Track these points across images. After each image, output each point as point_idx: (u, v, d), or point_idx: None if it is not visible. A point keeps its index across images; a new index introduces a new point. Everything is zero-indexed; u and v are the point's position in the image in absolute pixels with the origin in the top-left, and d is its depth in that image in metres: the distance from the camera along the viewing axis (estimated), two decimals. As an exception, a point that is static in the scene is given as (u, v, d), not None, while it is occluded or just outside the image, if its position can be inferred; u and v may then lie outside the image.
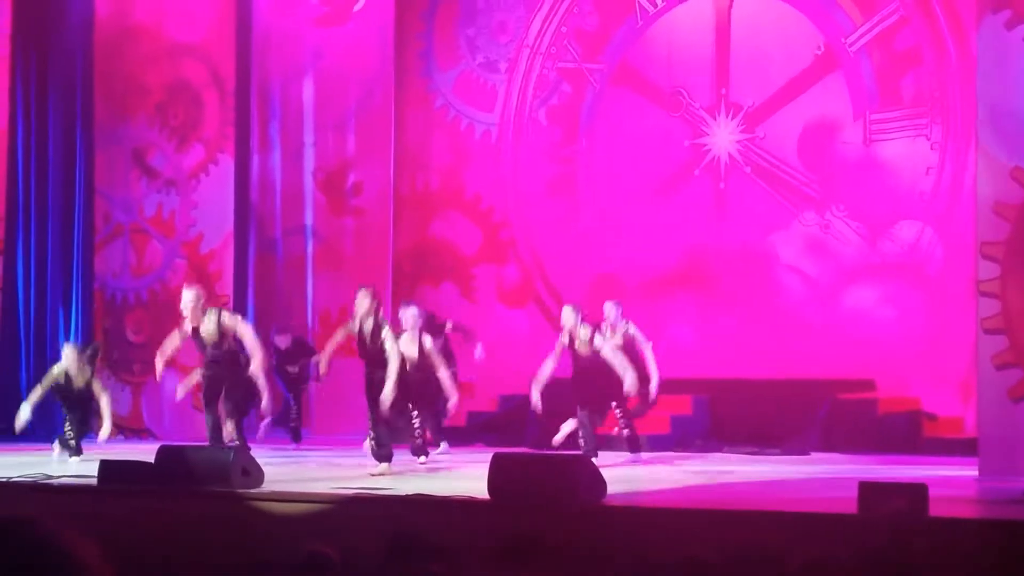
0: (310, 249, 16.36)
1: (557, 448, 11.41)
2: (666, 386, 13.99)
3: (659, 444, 12.47)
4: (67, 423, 12.73)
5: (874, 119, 13.84)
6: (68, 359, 12.65)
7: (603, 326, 11.83)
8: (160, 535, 8.02)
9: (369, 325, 10.57)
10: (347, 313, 13.31)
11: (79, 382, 12.59)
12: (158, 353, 11.18)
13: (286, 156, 16.49)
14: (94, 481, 9.04)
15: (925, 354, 13.25)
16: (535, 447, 12.07)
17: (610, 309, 12.10)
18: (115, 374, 16.27)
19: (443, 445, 12.62)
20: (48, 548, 1.73)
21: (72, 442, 12.56)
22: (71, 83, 16.26)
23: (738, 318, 14.22)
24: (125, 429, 15.66)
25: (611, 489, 7.96)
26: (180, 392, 12.19)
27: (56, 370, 12.68)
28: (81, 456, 12.34)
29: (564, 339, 11.43)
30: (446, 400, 12.00)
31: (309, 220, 16.38)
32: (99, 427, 12.72)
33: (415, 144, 16.25)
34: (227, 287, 15.84)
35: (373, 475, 10.09)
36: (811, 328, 13.89)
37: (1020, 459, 9.32)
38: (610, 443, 12.06)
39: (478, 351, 13.12)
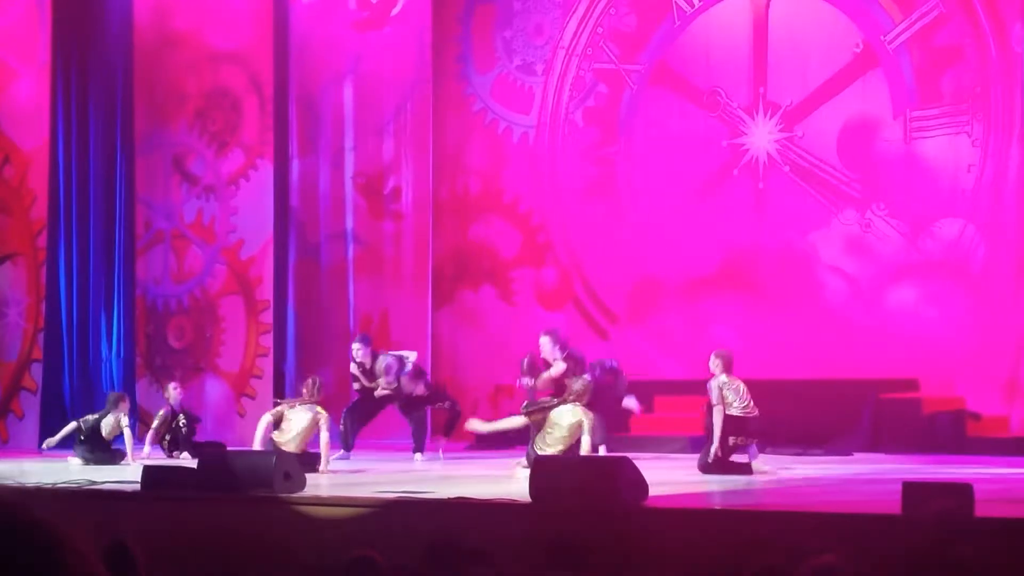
0: (351, 254, 16.38)
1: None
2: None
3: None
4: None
5: (914, 116, 13.74)
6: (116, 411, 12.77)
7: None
8: (203, 540, 8.06)
9: None
10: (388, 317, 13.38)
11: (105, 431, 12.70)
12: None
13: (326, 161, 16.53)
14: (137, 487, 9.08)
15: (969, 353, 13.14)
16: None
17: (545, 342, 12.22)
18: (157, 380, 16.34)
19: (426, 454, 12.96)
20: (34, 538, 1.67)
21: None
22: (111, 91, 16.34)
23: (779, 318, 14.14)
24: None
25: (653, 491, 7.93)
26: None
27: (91, 419, 12.81)
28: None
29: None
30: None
31: (349, 225, 16.40)
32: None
33: (454, 147, 16.26)
34: (267, 292, 15.88)
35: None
36: (853, 328, 13.79)
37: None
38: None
39: None
